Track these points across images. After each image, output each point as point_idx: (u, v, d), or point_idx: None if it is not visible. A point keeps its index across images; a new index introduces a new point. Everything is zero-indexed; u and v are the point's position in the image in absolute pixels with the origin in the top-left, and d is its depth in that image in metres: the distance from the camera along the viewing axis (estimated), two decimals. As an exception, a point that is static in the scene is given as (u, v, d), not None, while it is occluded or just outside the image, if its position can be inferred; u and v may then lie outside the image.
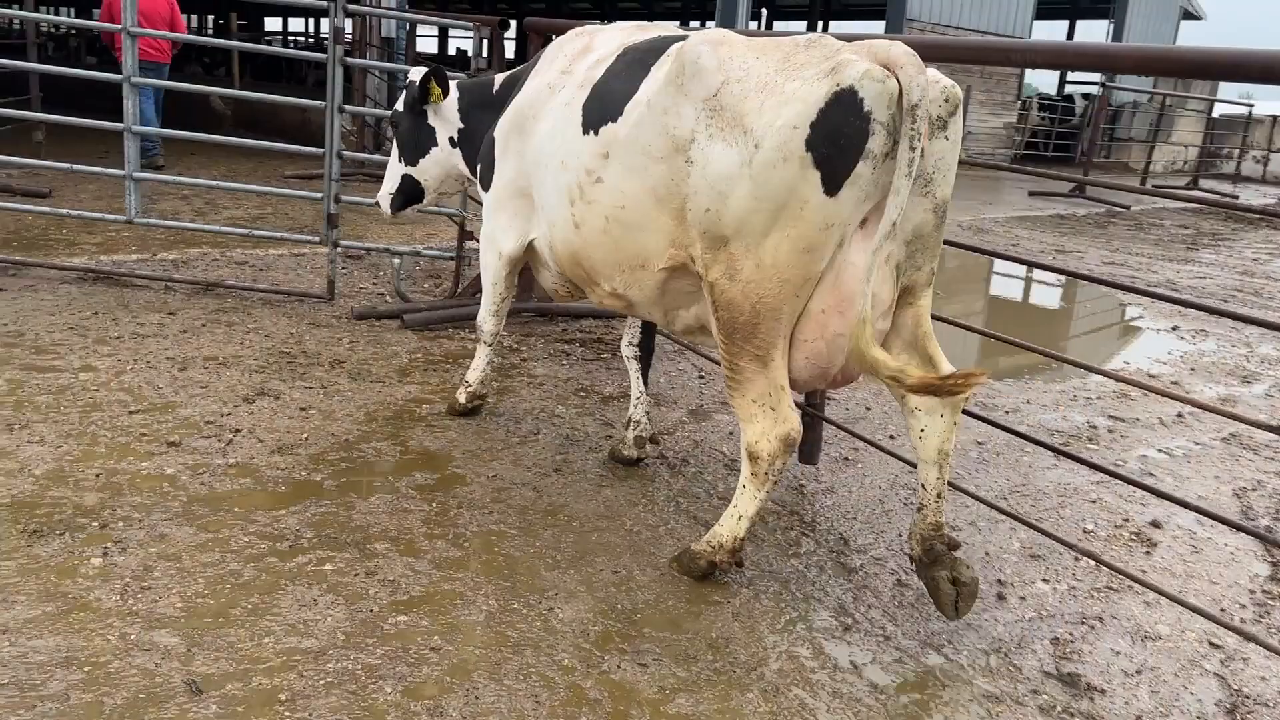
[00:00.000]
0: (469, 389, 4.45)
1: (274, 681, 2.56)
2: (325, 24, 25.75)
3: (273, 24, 43.33)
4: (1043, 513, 4.14)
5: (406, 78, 4.50)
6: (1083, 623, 3.25)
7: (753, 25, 26.30)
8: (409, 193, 4.55)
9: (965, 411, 3.19)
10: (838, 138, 2.64)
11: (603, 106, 3.21)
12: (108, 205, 8.25)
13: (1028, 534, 3.83)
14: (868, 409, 5.24)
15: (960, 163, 2.88)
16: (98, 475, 3.60)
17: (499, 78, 4.30)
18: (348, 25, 6.48)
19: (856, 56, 2.68)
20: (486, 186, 4.03)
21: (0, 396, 4.21)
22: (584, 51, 3.63)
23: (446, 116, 4.37)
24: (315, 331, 5.60)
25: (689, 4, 34.03)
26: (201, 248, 7.50)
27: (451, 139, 4.39)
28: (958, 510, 4.01)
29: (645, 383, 4.15)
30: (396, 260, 6.43)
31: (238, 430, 4.14)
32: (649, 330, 4.12)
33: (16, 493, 3.41)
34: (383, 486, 3.76)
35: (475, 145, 4.25)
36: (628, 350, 4.12)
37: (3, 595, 2.80)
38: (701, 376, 5.51)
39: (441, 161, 4.44)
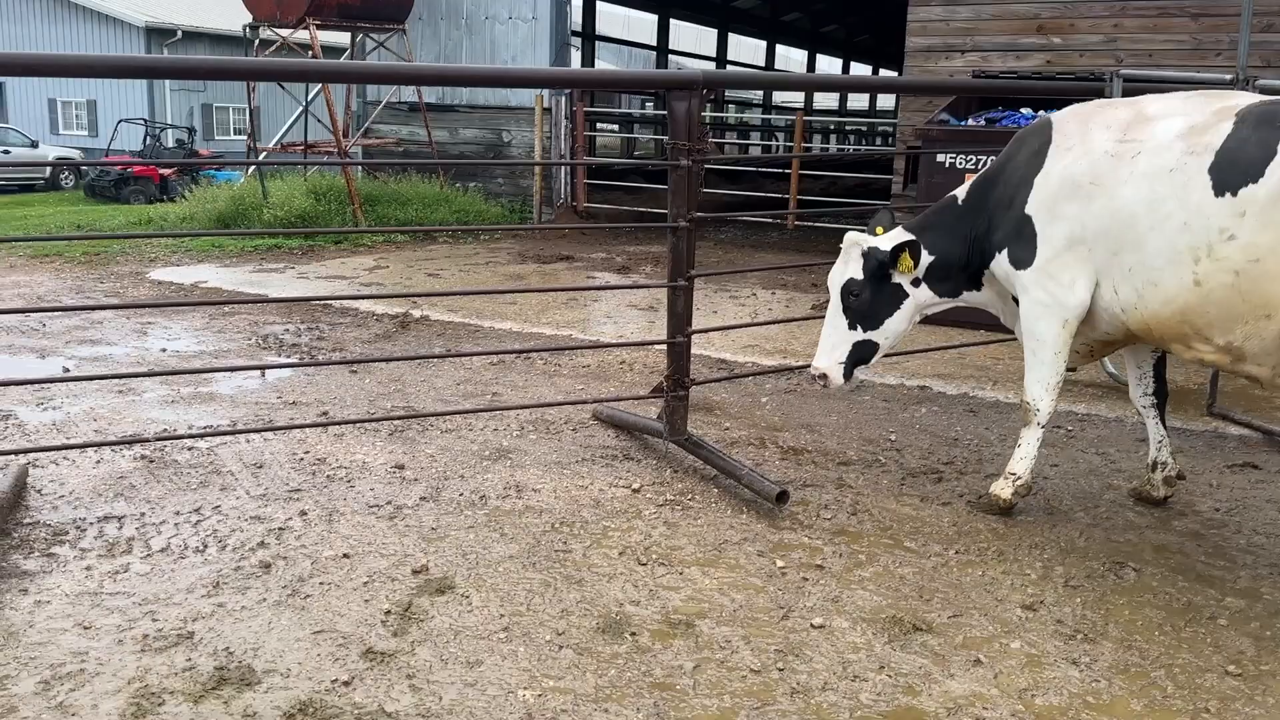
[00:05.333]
0: (1017, 480, 4.29)
1: None
2: None
3: None
4: None
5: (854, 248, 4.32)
6: None
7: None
8: (861, 357, 4.42)
9: None
10: None
11: (1239, 170, 3.58)
12: None
13: None
14: None
15: None
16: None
17: (961, 192, 4.45)
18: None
19: None
20: (1027, 263, 4.15)
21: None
22: (1140, 120, 3.93)
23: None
24: None
25: None
26: None
27: (916, 280, 4.38)
28: None
29: (1165, 426, 4.44)
30: None
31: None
32: (1161, 378, 4.45)
33: None
34: None
35: (948, 266, 4.40)
36: (1144, 400, 4.46)
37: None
38: None
39: (911, 310, 4.43)
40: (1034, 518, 4.35)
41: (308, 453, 4.89)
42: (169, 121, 28.63)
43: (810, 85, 24.96)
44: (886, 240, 4.31)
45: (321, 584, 3.58)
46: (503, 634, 3.29)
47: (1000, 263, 4.27)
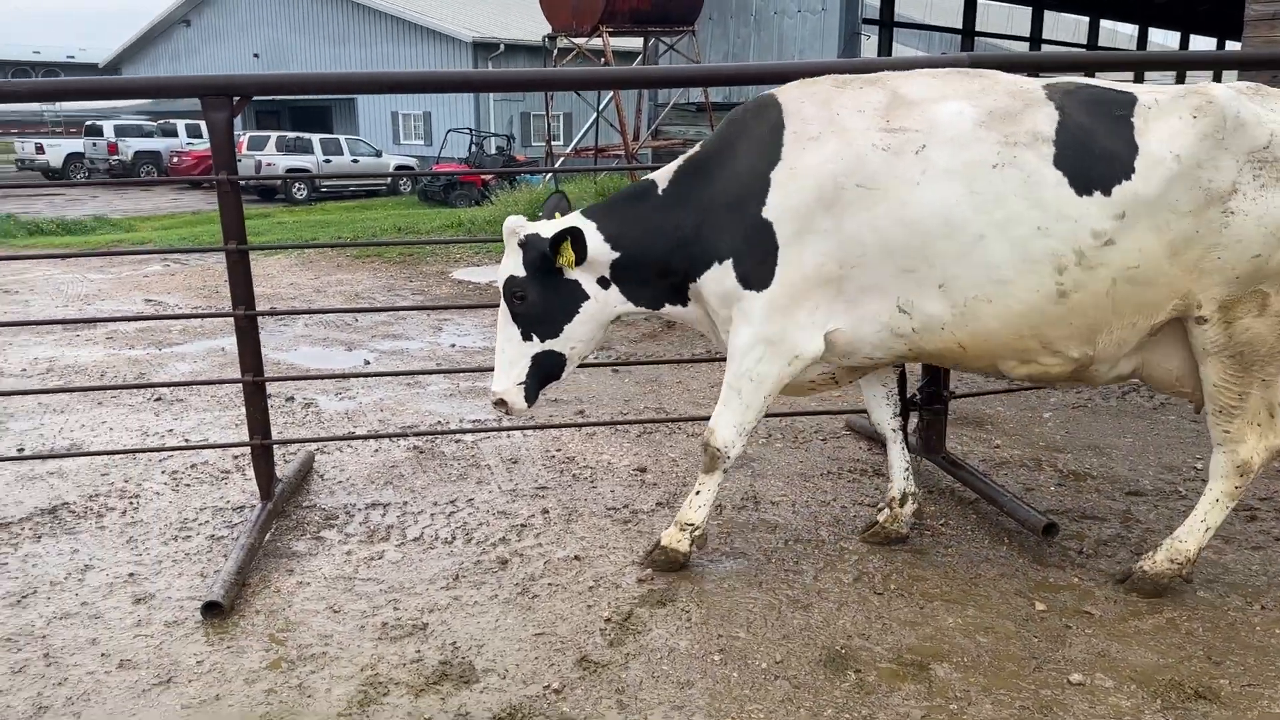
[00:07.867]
0: (695, 530, 3.68)
1: None
2: None
3: None
4: None
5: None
6: None
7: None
8: (547, 372, 3.62)
9: None
10: None
11: (1098, 164, 3.12)
12: None
13: None
14: None
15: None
16: None
17: (661, 178, 3.57)
18: None
19: None
20: (759, 284, 3.34)
21: None
22: (901, 104, 3.25)
23: (592, 258, 3.52)
24: None
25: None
26: None
27: (603, 279, 3.57)
28: None
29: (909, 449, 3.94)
30: None
31: None
32: (904, 393, 4.06)
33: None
34: None
35: (643, 268, 3.56)
36: (892, 423, 3.88)
37: None
38: None
39: (597, 314, 3.60)
40: (1376, 574, 3.59)
41: (559, 450, 5.01)
42: (491, 130, 30.99)
43: (1095, 64, 22.33)
44: (549, 227, 3.53)
45: (550, 584, 3.63)
46: (718, 656, 3.16)
47: (716, 278, 3.41)
